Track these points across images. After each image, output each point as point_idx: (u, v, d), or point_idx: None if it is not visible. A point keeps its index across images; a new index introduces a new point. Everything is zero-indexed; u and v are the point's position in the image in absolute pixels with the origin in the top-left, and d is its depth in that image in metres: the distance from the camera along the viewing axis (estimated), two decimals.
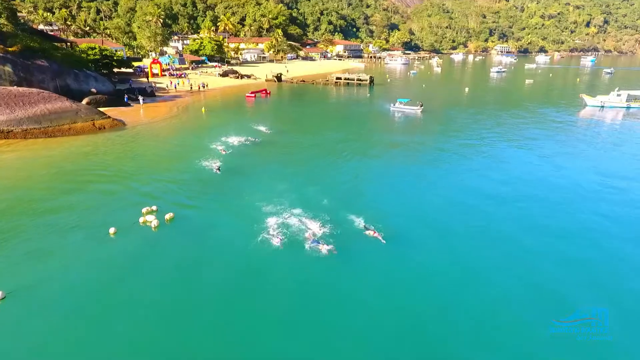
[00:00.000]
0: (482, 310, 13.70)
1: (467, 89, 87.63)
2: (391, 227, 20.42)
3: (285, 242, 18.96)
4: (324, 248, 17.77)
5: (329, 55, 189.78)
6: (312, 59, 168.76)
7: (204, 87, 75.38)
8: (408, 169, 31.83)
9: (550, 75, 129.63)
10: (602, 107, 64.16)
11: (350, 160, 33.57)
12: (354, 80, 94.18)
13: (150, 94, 63.26)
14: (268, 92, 75.49)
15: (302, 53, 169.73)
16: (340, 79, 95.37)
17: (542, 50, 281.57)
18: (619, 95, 64.28)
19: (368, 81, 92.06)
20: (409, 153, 36.95)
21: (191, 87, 74.02)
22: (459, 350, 12.34)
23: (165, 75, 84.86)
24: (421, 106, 56.88)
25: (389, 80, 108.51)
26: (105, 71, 71.29)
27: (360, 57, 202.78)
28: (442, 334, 13.11)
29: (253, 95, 70.65)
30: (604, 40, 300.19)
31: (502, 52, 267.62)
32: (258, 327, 13.67)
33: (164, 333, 13.69)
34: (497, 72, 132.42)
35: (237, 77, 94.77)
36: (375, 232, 19.43)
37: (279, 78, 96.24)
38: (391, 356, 12.21)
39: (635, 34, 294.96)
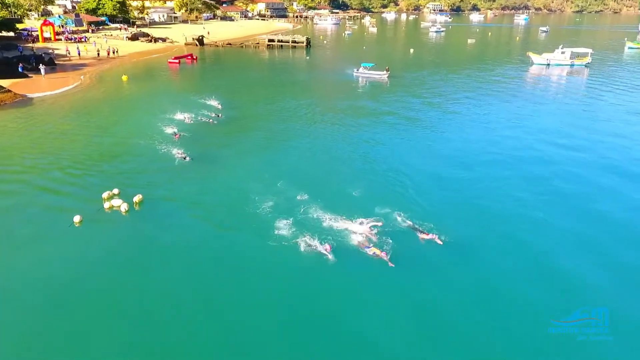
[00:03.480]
0: (481, 310, 14.07)
1: (412, 50, 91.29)
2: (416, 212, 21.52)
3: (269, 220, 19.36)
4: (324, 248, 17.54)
5: (249, 14, 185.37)
6: (231, 19, 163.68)
7: (114, 53, 70.38)
8: (404, 143, 32.97)
9: (489, 34, 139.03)
10: (548, 64, 70.77)
11: (328, 135, 33.76)
12: (288, 42, 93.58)
13: (48, 62, 57.82)
14: (194, 57, 72.64)
15: (219, 12, 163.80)
16: (273, 41, 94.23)
17: (475, 8, 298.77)
18: (563, 52, 71.21)
19: (305, 43, 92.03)
20: (395, 124, 38.26)
21: (98, 54, 68.74)
22: (458, 350, 12.66)
23: (60, 39, 77.58)
24: (387, 71, 58.44)
25: (325, 42, 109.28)
26: None
27: (285, 16, 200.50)
28: (438, 333, 13.42)
29: (177, 61, 67.63)
30: None
31: (435, 10, 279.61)
32: (255, 331, 13.63)
33: (148, 327, 13.56)
34: (436, 31, 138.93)
35: (150, 41, 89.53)
36: (430, 235, 18.28)
37: (200, 41, 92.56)
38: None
39: None
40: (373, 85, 54.52)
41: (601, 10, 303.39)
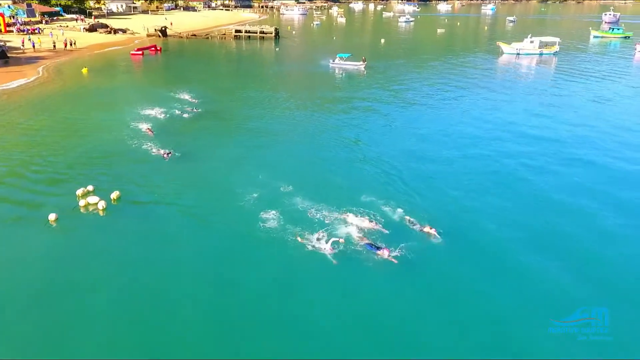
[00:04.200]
0: (481, 310, 14.21)
1: (382, 40, 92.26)
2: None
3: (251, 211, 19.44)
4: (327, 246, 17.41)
5: (213, 5, 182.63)
6: (194, 9, 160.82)
7: (72, 45, 68.09)
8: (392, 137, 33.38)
9: (458, 24, 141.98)
10: (518, 54, 72.95)
11: (309, 126, 33.85)
12: (256, 33, 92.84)
13: (0, 54, 55.54)
14: (158, 48, 71.27)
15: (181, 2, 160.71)
16: (240, 32, 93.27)
17: None
18: (532, 42, 73.56)
19: (273, 34, 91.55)
20: (377, 115, 38.64)
21: (54, 46, 66.32)
22: (458, 350, 12.77)
23: (11, 31, 74.40)
24: (364, 61, 58.80)
25: (293, 32, 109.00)
26: None
27: (250, 6, 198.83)
28: (438, 332, 13.49)
29: (140, 53, 66.19)
30: None
31: (403, 0, 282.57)
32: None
33: (130, 327, 13.43)
34: (405, 21, 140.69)
35: (110, 32, 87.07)
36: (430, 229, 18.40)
37: (163, 32, 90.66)
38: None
39: None
40: (350, 76, 54.89)
41: (565, 0, 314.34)
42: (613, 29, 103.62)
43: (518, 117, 36.80)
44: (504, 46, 75.28)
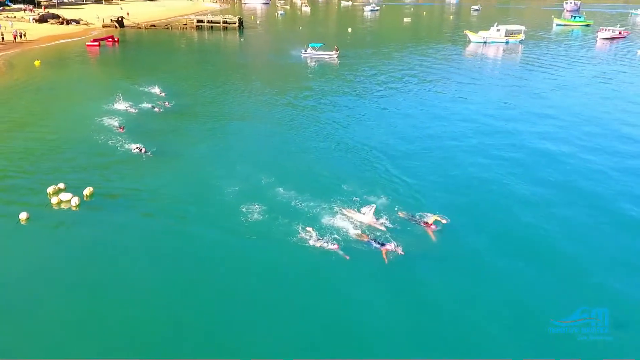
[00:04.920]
0: (481, 310, 14.37)
1: (350, 29, 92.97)
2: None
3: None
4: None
5: None
6: None
7: (21, 37, 65.48)
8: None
9: (424, 13, 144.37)
10: (485, 42, 75.12)
11: (284, 117, 33.88)
12: (219, 23, 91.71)
13: None
14: (116, 39, 69.47)
15: None
16: (202, 22, 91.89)
17: None
18: (498, 30, 75.91)
19: (237, 24, 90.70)
20: (352, 108, 39.05)
21: (2, 38, 63.62)
22: (458, 349, 12.94)
23: None
24: (337, 50, 59.15)
25: (257, 22, 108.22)
26: None
27: None
28: (438, 331, 13.63)
29: (96, 44, 64.39)
30: None
31: None
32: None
33: (104, 328, 13.23)
34: (371, 10, 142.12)
35: (62, 23, 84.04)
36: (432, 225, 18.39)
37: (120, 23, 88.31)
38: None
39: None
40: (323, 66, 55.27)
41: None
42: (575, 17, 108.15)
43: (488, 106, 37.96)
44: (471, 35, 77.29)
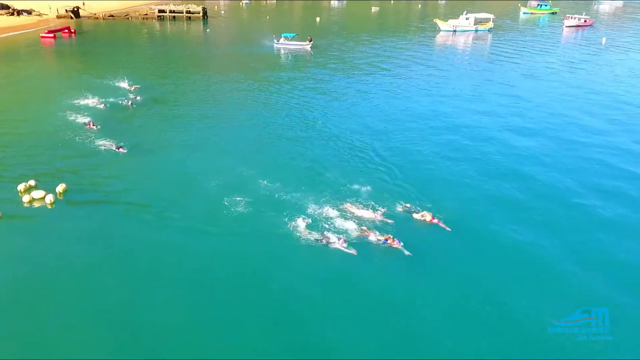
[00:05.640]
0: (481, 310, 14.52)
1: (318, 19, 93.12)
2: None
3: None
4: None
5: None
6: None
7: None
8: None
9: (392, 2, 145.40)
10: (455, 31, 76.71)
11: (262, 109, 33.89)
12: (182, 12, 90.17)
13: None
14: (72, 30, 67.47)
15: None
16: (164, 11, 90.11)
17: None
18: (467, 19, 77.57)
19: (201, 13, 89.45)
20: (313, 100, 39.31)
21: None
22: (457, 349, 13.07)
23: None
24: (310, 41, 59.20)
25: (222, 12, 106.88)
26: None
27: None
28: (438, 331, 13.76)
29: (52, 35, 62.36)
30: None
31: None
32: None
33: (80, 329, 13.27)
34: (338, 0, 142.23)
35: (12, 14, 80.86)
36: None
37: (76, 13, 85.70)
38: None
39: None
40: (297, 57, 55.49)
41: None
42: (541, 5, 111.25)
43: (460, 96, 38.96)
44: (440, 23, 78.72)
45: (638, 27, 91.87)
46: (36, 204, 19.13)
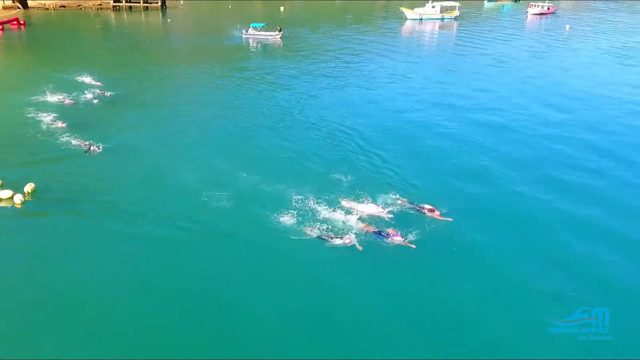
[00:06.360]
0: (481, 311, 14.59)
1: (282, 8, 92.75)
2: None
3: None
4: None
5: None
6: None
7: None
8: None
9: None
10: (421, 19, 77.99)
11: (233, 101, 33.66)
12: (139, 3, 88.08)
13: None
14: (22, 22, 65.12)
15: None
16: (119, 1, 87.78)
17: None
18: (433, 7, 79.00)
19: (160, 3, 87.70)
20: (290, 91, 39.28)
21: None
22: (458, 349, 13.14)
23: None
24: (280, 31, 58.95)
25: (181, 2, 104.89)
26: None
27: None
28: (437, 330, 13.80)
29: None
30: None
31: None
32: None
33: (57, 331, 13.03)
34: None
35: None
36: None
37: (23, 4, 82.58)
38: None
39: None
40: (266, 47, 55.29)
41: None
42: None
43: (428, 85, 39.46)
44: (407, 12, 79.86)
45: (600, 14, 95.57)
46: (4, 204, 18.52)
